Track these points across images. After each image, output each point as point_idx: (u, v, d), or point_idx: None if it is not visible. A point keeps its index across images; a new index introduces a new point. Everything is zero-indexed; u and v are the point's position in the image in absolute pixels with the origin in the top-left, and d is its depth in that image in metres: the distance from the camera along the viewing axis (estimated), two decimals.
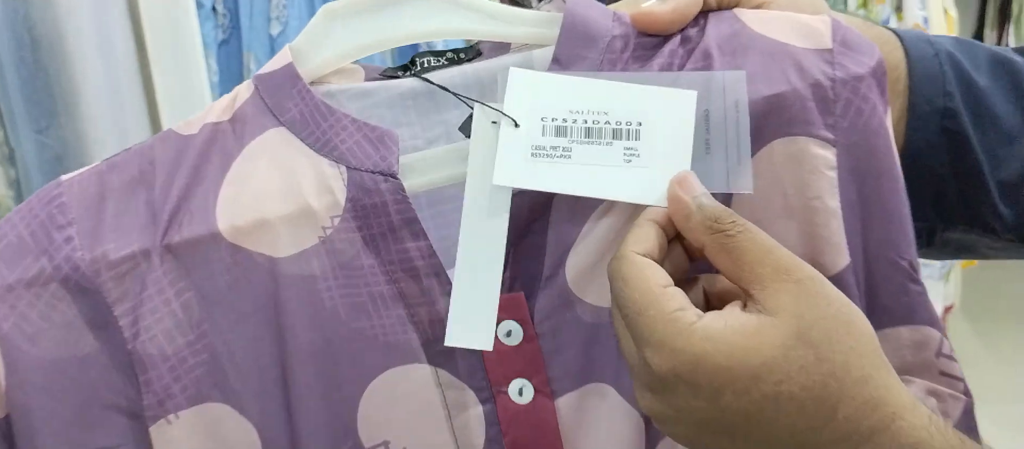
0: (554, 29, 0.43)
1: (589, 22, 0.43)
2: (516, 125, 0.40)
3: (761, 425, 0.32)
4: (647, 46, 0.43)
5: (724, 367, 0.32)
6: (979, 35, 3.04)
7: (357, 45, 0.43)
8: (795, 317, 0.32)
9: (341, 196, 0.41)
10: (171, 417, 0.42)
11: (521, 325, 0.42)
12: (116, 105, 1.21)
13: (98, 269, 0.41)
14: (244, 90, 0.45)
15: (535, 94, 0.41)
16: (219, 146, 0.43)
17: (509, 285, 0.42)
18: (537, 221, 0.42)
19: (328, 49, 0.43)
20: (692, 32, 0.43)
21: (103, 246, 0.41)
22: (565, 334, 0.42)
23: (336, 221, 0.41)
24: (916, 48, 0.46)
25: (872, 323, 0.36)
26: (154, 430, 0.42)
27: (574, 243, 0.42)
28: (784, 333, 0.32)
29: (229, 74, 1.50)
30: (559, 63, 0.42)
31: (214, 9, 1.47)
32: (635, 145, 0.40)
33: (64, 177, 0.44)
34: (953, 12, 1.90)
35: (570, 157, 0.40)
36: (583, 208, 0.42)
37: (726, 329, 0.33)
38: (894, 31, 0.47)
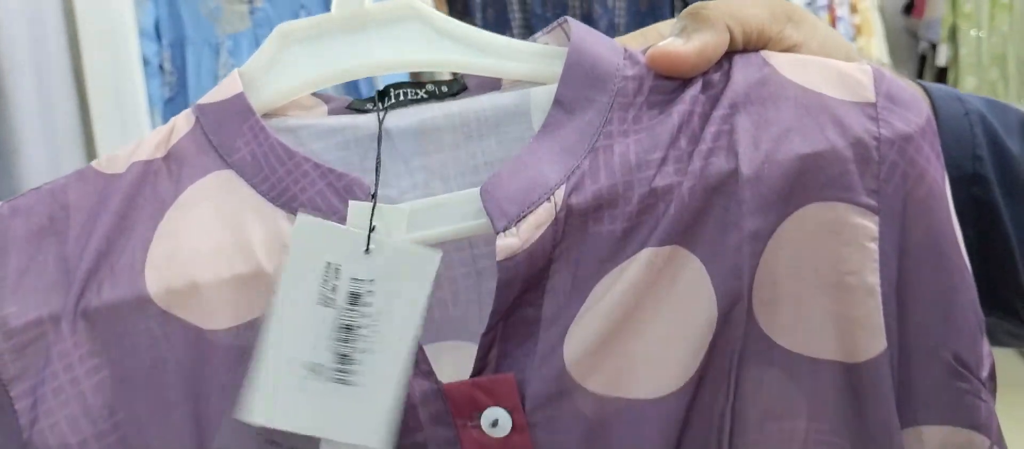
0: (555, 66, 0.37)
1: (597, 60, 0.37)
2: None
3: None
4: (664, 90, 0.36)
5: None
6: None
7: (319, 75, 0.37)
8: None
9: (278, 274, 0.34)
10: None
11: (511, 414, 0.34)
12: (54, 163, 1.18)
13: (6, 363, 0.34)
14: (183, 122, 0.37)
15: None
16: (150, 190, 0.36)
17: (496, 364, 0.35)
18: (531, 291, 0.35)
19: (285, 78, 0.37)
20: (715, 76, 0.37)
21: (1, 310, 0.34)
22: (561, 429, 0.35)
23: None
24: (945, 106, 0.41)
25: (905, 417, 0.35)
26: None
27: (575, 318, 0.35)
28: None
29: None
30: (562, 106, 0.36)
31: (161, 67, 1.46)
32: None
33: None
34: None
35: None
36: (587, 276, 0.35)
37: None
38: (920, 84, 0.42)
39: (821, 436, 0.36)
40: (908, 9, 3.16)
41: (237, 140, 0.36)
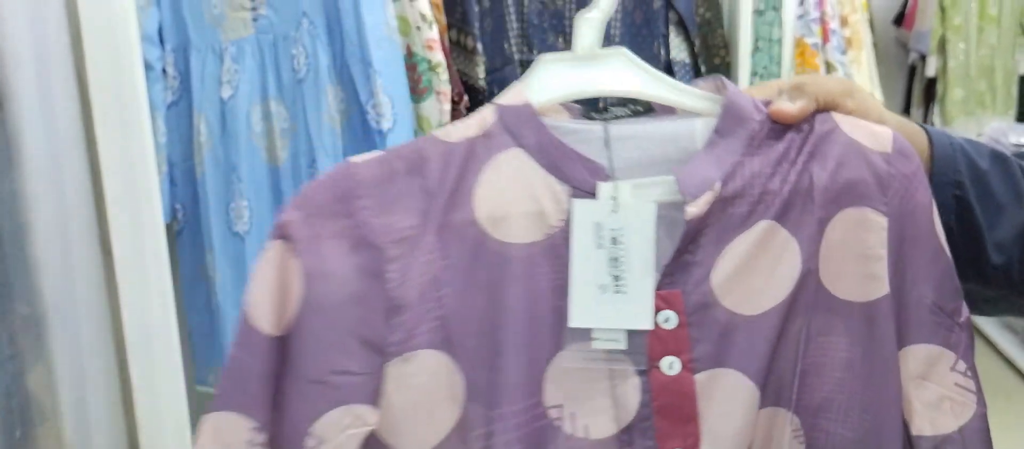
0: (714, 107, 0.60)
1: (742, 107, 0.60)
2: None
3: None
4: (777, 131, 0.60)
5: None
6: (906, 112, 3.23)
7: (566, 91, 0.59)
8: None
9: (565, 207, 0.57)
10: (408, 354, 0.55)
11: (677, 314, 0.57)
12: (56, 166, 1.19)
13: (384, 233, 0.55)
14: (489, 115, 0.59)
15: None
16: (475, 154, 0.57)
17: (670, 284, 0.57)
18: (693, 242, 0.58)
19: (546, 92, 0.59)
20: (805, 125, 0.60)
21: (389, 217, 0.56)
22: (706, 326, 0.57)
23: (560, 224, 0.57)
24: (938, 139, 0.66)
25: (900, 341, 0.60)
26: (391, 366, 0.55)
27: (717, 261, 0.58)
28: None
29: (178, 135, 1.50)
30: (719, 134, 0.60)
31: (164, 71, 1.47)
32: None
33: (354, 159, 0.58)
34: (879, 93, 2.02)
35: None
36: (725, 236, 0.58)
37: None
38: (923, 126, 0.68)
39: (847, 347, 0.59)
40: (899, 20, 3.20)
41: (526, 130, 0.58)
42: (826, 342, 0.59)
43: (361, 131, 1.47)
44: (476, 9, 1.60)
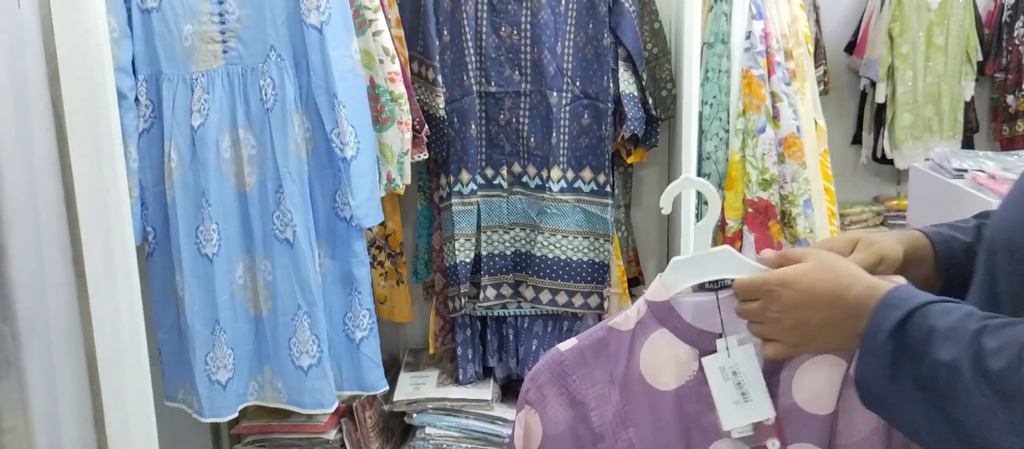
0: None
1: None
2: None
3: (814, 302, 0.74)
4: None
5: (793, 278, 0.75)
6: (858, 137, 3.36)
7: (690, 280, 0.85)
8: (817, 262, 0.75)
9: (695, 364, 0.84)
10: None
11: (779, 439, 0.83)
12: (31, 188, 1.25)
13: (587, 393, 0.86)
14: (642, 306, 0.86)
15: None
16: (638, 335, 0.86)
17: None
18: (776, 369, 0.83)
19: (678, 284, 0.85)
20: None
21: (591, 386, 0.86)
22: (791, 420, 0.83)
23: (693, 373, 0.84)
24: (936, 235, 0.86)
25: None
26: None
27: (796, 373, 0.83)
28: (814, 266, 0.75)
29: (150, 161, 1.56)
30: None
31: (137, 100, 1.54)
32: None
33: (561, 347, 0.87)
34: (821, 121, 2.13)
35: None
36: (799, 360, 0.83)
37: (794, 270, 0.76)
38: (923, 232, 0.86)
39: (866, 420, 0.81)
40: (850, 49, 3.33)
41: (668, 318, 0.86)
42: (856, 418, 0.83)
43: (326, 158, 1.54)
44: (437, 43, 1.69)
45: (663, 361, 0.85)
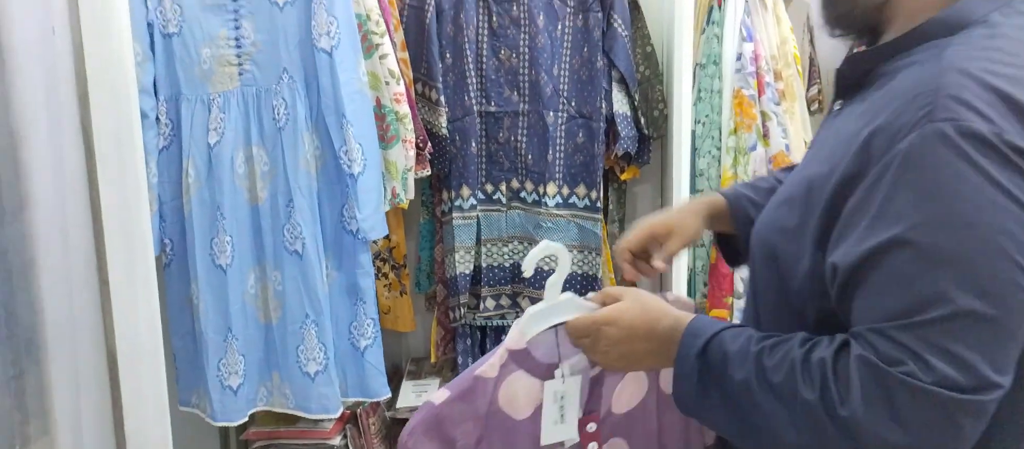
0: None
1: None
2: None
3: (634, 336, 0.89)
4: None
5: (614, 317, 0.90)
6: None
7: (543, 327, 0.97)
8: (631, 300, 0.91)
9: (541, 394, 0.98)
10: None
11: (595, 423, 1.01)
12: (61, 204, 1.34)
13: (456, 432, 0.97)
14: (503, 355, 0.96)
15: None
16: (500, 379, 0.97)
17: (593, 410, 1.01)
18: (597, 386, 1.01)
19: (532, 331, 0.96)
20: None
21: (460, 425, 0.97)
22: (608, 424, 1.03)
23: (540, 400, 0.99)
24: (732, 195, 1.08)
25: None
26: None
27: (615, 388, 1.02)
28: (629, 304, 0.90)
29: (168, 176, 1.65)
30: None
31: (157, 119, 1.63)
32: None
33: (434, 400, 0.95)
34: (810, 137, 2.21)
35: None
36: (614, 378, 1.01)
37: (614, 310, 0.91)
38: (722, 193, 1.08)
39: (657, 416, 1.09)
40: None
41: (524, 360, 0.97)
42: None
43: (334, 174, 1.63)
44: (440, 66, 1.78)
45: (520, 394, 0.98)
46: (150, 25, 1.60)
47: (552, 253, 0.96)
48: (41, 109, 1.29)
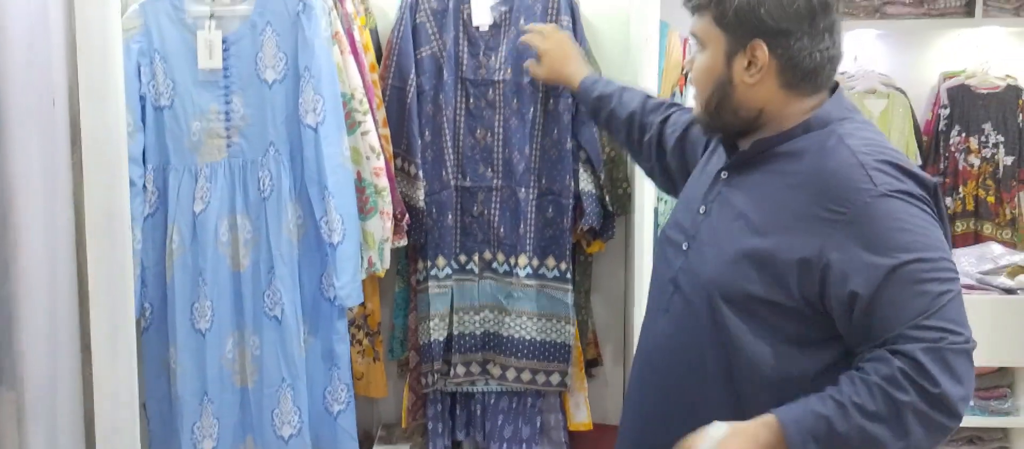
0: None
1: None
2: None
3: None
4: None
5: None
6: None
7: None
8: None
9: None
10: None
11: None
12: (50, 270, 1.38)
13: None
14: None
15: None
16: None
17: None
18: None
19: None
20: None
21: None
22: None
23: None
24: (591, 77, 1.63)
25: None
26: None
27: None
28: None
29: (152, 242, 1.70)
30: None
31: (144, 187, 1.69)
32: None
33: None
34: None
35: None
36: None
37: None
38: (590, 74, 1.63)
39: None
40: None
41: None
42: None
43: (315, 242, 1.70)
44: (419, 142, 1.88)
45: None
46: (143, 98, 1.68)
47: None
48: (36, 175, 1.35)
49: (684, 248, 1.12)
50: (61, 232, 1.40)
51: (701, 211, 1.12)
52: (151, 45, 1.67)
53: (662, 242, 1.21)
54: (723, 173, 1.12)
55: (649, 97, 1.49)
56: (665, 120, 1.41)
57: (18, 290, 1.34)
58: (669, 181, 1.43)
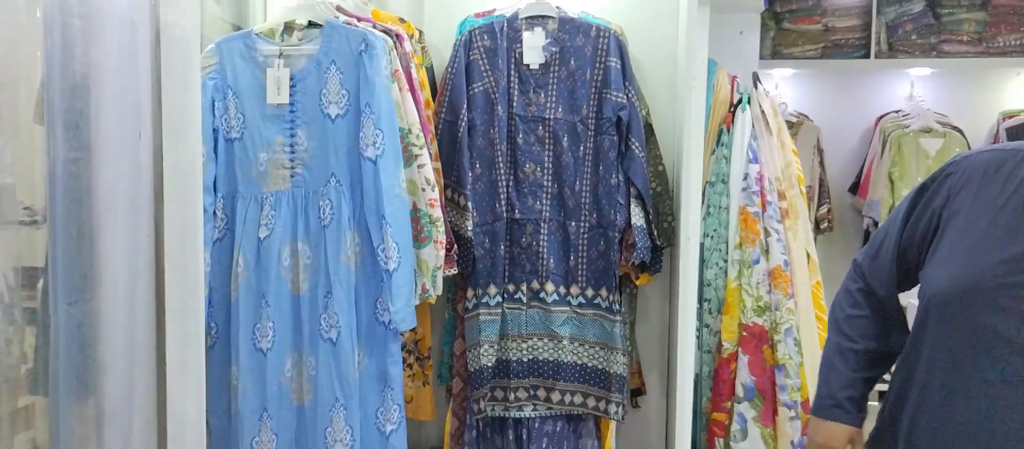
0: None
1: None
2: None
3: None
4: None
5: None
6: None
7: None
8: None
9: None
10: None
11: None
12: (131, 288, 1.49)
13: None
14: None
15: None
16: None
17: None
18: None
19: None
20: None
21: None
22: None
23: None
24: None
25: None
26: None
27: None
28: None
29: (220, 266, 1.81)
30: None
31: (214, 214, 1.81)
32: None
33: None
34: (814, 254, 2.34)
35: None
36: None
37: None
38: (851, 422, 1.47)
39: None
40: (854, 189, 3.55)
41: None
42: None
43: (371, 269, 1.78)
44: (470, 175, 1.96)
45: None
46: (215, 130, 1.80)
47: None
48: (122, 202, 1.47)
49: None
50: (142, 255, 1.51)
51: None
52: (225, 81, 1.80)
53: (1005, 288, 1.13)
54: None
55: (852, 317, 1.44)
56: (890, 289, 1.42)
57: (102, 308, 1.45)
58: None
